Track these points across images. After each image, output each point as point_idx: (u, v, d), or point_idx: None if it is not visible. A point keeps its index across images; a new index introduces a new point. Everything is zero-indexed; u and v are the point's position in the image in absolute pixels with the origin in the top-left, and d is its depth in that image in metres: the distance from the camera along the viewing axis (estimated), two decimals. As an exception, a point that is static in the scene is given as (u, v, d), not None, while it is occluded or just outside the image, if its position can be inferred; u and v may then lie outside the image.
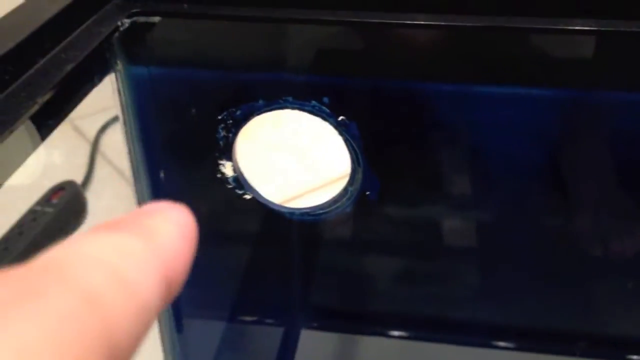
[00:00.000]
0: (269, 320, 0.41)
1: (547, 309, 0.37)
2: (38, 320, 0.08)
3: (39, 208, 0.47)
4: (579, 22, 0.25)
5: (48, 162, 0.62)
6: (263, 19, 0.27)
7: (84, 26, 0.25)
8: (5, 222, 0.46)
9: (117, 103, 0.30)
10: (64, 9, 0.24)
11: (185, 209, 0.12)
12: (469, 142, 0.31)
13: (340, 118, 0.29)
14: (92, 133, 0.68)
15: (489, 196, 0.33)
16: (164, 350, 0.39)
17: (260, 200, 0.33)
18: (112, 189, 0.62)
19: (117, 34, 0.26)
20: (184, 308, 0.38)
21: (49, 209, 0.47)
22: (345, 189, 0.32)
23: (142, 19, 0.27)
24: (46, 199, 0.48)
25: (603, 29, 0.25)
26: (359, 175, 0.31)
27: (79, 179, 0.62)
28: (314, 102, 0.28)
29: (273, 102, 0.29)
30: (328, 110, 0.29)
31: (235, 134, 0.30)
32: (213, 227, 0.35)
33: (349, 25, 0.26)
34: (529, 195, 0.32)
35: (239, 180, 0.32)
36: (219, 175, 0.31)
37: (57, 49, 0.24)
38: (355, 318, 0.40)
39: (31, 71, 0.22)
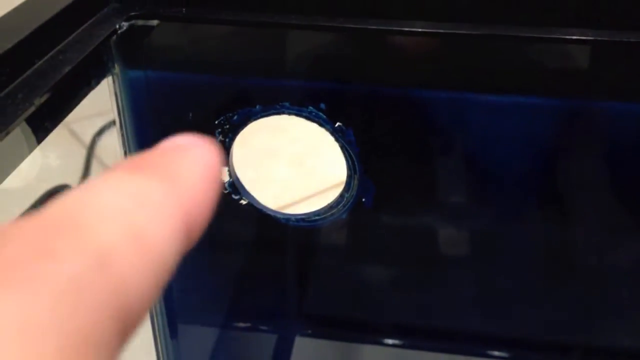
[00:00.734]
0: (263, 327, 0.41)
1: (542, 318, 0.37)
2: (47, 287, 0.08)
3: (33, 212, 0.47)
4: (576, 31, 0.25)
5: (44, 166, 0.62)
6: (261, 24, 0.27)
7: (81, 28, 0.25)
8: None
9: (114, 107, 0.30)
10: (62, 11, 0.24)
11: (212, 145, 0.12)
12: (466, 150, 0.31)
13: (337, 124, 0.29)
14: (88, 137, 0.68)
15: (485, 204, 0.33)
16: (158, 356, 0.39)
17: (256, 205, 0.33)
18: (108, 194, 0.61)
19: (114, 37, 0.26)
20: (179, 314, 0.37)
21: (44, 213, 0.47)
22: (341, 196, 0.32)
23: (140, 22, 0.27)
24: (41, 203, 0.48)
25: (600, 38, 0.25)
26: (355, 182, 0.31)
27: (74, 182, 0.62)
28: (310, 108, 0.28)
29: (270, 108, 0.29)
30: (325, 116, 0.29)
31: (232, 139, 0.30)
32: (208, 232, 0.35)
33: (347, 32, 0.27)
34: (524, 204, 0.32)
35: (235, 186, 0.32)
36: (215, 180, 0.31)
37: (55, 51, 0.24)
38: (350, 325, 0.40)
39: (28, 73, 0.22)
